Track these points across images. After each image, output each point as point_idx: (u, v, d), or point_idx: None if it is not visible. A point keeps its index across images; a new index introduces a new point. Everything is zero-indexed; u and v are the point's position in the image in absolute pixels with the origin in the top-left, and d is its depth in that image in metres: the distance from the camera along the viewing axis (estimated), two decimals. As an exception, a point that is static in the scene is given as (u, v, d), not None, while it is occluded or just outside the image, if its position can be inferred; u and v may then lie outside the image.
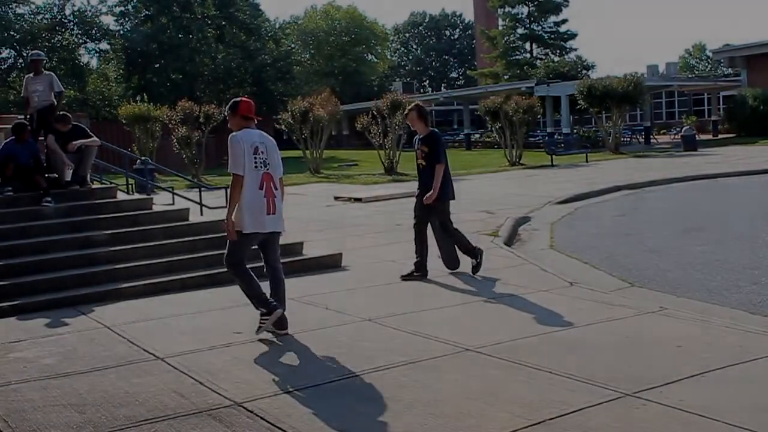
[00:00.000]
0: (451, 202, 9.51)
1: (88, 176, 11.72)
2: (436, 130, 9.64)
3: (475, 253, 9.40)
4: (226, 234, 6.90)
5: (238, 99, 7.19)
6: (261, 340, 6.81)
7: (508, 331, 6.72)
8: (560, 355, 5.96)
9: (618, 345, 6.24)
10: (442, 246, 9.61)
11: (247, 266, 7.00)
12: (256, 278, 7.02)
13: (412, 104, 9.71)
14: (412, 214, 9.52)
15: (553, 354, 6.01)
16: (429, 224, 9.46)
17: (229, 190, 6.89)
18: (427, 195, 9.15)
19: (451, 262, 9.60)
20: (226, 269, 7.15)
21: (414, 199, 9.61)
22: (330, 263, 10.15)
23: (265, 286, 7.09)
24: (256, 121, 7.11)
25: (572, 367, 5.61)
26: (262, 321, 6.91)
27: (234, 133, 6.89)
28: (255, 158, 6.81)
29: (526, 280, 8.93)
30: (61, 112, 11.72)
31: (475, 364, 5.88)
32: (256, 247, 7.13)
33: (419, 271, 9.27)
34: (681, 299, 8.02)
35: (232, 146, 6.77)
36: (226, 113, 7.30)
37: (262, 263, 7.23)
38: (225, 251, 7.02)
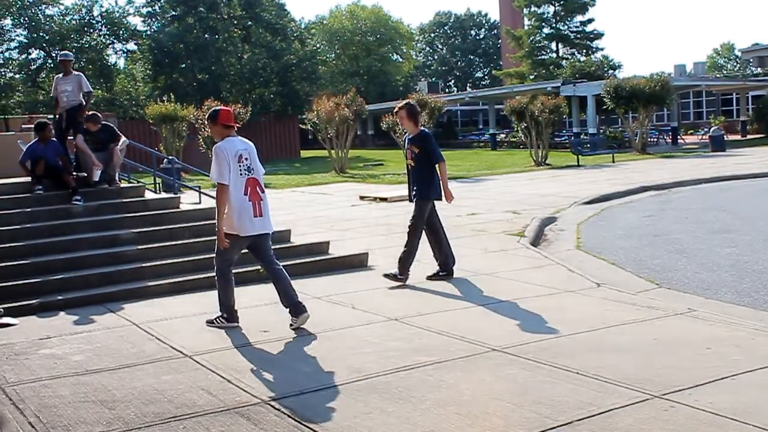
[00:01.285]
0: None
1: (117, 175, 11.83)
2: (426, 129, 9.37)
3: (403, 272, 9.02)
4: (216, 240, 7.23)
5: (218, 108, 7.47)
6: (288, 339, 6.84)
7: (534, 332, 6.70)
8: (587, 356, 5.93)
9: (646, 346, 6.20)
10: (434, 247, 9.37)
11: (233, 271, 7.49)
12: (234, 289, 7.44)
13: (403, 102, 9.53)
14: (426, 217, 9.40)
15: (580, 355, 5.98)
16: (436, 221, 9.31)
17: (215, 200, 7.22)
18: (446, 197, 9.09)
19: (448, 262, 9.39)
20: (214, 272, 7.46)
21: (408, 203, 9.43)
22: (356, 263, 10.16)
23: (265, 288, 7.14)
24: (236, 128, 7.38)
25: (599, 368, 5.59)
26: (219, 320, 7.38)
27: (218, 144, 7.19)
28: (239, 166, 7.14)
29: (553, 281, 8.90)
30: (91, 112, 11.85)
31: (501, 364, 5.86)
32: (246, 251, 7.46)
33: (444, 270, 9.26)
34: (710, 301, 7.95)
35: (216, 156, 7.10)
36: (206, 122, 7.52)
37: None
38: (214, 255, 7.39)
